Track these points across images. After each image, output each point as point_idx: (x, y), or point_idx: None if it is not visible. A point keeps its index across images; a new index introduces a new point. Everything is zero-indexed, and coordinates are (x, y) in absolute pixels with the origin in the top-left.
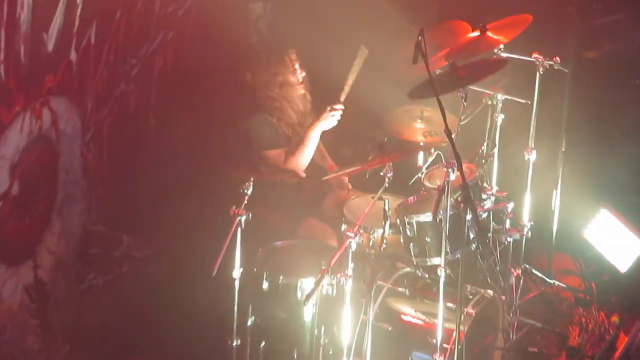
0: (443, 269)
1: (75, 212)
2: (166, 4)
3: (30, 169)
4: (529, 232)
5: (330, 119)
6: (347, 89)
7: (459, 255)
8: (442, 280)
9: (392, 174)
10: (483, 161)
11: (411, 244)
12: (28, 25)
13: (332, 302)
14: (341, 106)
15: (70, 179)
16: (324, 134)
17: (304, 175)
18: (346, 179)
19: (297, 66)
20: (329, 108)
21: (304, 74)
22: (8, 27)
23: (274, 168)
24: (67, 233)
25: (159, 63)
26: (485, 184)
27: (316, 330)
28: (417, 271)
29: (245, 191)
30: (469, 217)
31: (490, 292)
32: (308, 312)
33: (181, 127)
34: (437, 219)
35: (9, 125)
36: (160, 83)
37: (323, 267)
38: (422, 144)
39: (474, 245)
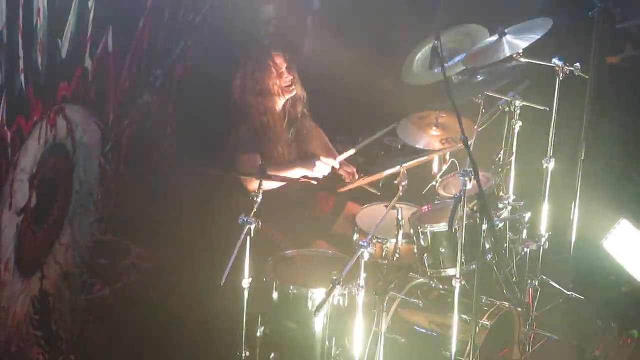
0: (458, 280)
1: (86, 223)
2: (188, 12)
3: (46, 179)
4: (547, 243)
5: (315, 170)
6: (352, 151)
7: (474, 266)
8: (457, 291)
9: (406, 182)
10: (500, 169)
11: (425, 255)
12: (44, 33)
13: (343, 313)
14: (335, 164)
15: (85, 190)
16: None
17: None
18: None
19: (284, 69)
20: (317, 161)
21: (291, 77)
22: (25, 36)
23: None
24: (76, 244)
25: (179, 72)
26: (502, 193)
27: (327, 342)
28: (431, 282)
29: (255, 199)
30: (485, 227)
31: (507, 304)
32: (319, 323)
33: (196, 137)
34: (452, 229)
35: (28, 136)
36: (179, 92)
37: (334, 278)
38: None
39: (489, 256)
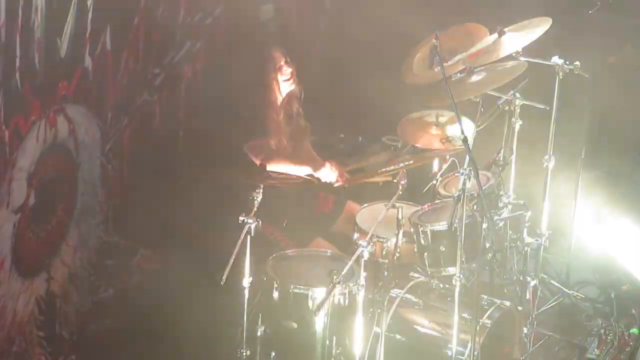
0: (458, 279)
1: (92, 224)
2: (191, 13)
3: (47, 178)
4: (547, 241)
5: (322, 171)
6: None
7: (474, 265)
8: (457, 290)
9: (406, 181)
10: (500, 168)
11: (425, 253)
12: (42, 32)
13: (344, 312)
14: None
15: (89, 191)
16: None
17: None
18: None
19: (282, 63)
20: (326, 164)
21: (290, 70)
22: (23, 34)
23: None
24: (83, 245)
25: (187, 73)
26: (502, 192)
27: (327, 341)
28: (432, 281)
29: (255, 198)
30: (485, 225)
31: (507, 302)
32: (319, 322)
33: (204, 136)
34: (452, 228)
35: (26, 135)
36: (189, 94)
37: (335, 277)
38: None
39: (490, 255)
